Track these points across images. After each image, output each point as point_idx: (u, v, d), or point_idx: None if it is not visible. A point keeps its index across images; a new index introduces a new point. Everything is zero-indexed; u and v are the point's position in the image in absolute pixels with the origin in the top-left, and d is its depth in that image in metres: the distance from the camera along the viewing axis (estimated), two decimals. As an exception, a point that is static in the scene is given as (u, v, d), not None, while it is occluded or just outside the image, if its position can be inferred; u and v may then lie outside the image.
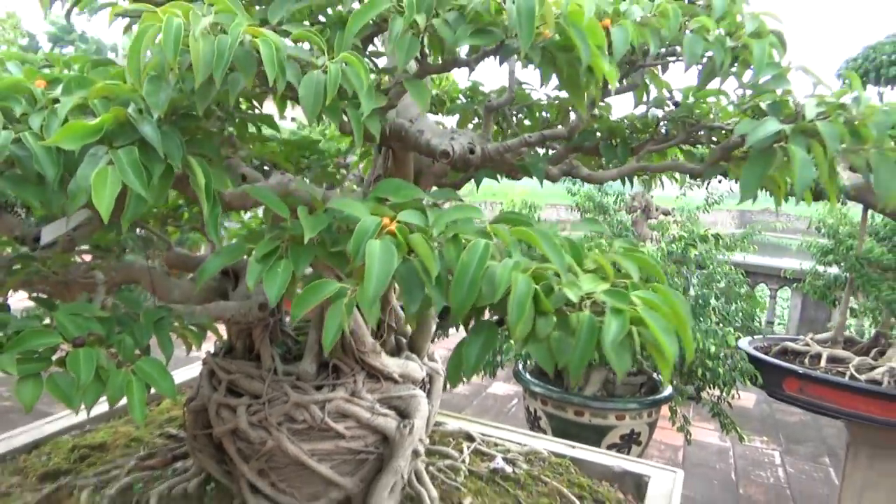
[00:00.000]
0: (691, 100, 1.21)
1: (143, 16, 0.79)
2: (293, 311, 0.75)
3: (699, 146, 1.40)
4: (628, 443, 4.07)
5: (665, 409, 4.28)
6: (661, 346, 0.72)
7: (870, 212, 3.63)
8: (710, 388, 4.14)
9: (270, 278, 0.76)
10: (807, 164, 0.90)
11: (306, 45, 0.82)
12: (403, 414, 1.60)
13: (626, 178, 1.31)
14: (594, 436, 3.97)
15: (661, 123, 1.38)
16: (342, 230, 0.80)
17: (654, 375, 4.34)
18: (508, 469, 1.92)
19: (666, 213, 6.53)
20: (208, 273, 0.84)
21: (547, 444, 2.19)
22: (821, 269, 4.21)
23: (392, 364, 1.58)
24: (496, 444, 2.12)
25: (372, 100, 0.74)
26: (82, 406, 0.89)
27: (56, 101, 0.86)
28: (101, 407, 2.10)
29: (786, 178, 1.10)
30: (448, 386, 1.06)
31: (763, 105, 1.03)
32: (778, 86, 1.00)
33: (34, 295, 1.22)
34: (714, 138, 1.32)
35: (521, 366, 4.37)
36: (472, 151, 1.20)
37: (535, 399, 4.27)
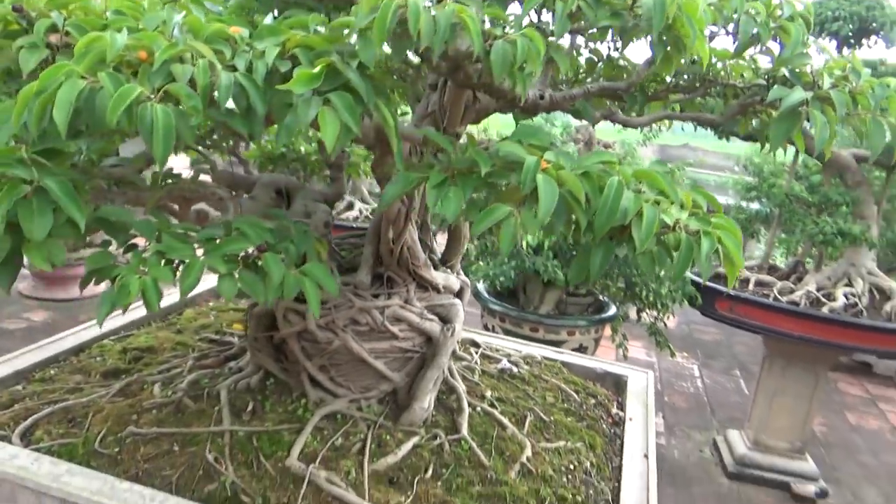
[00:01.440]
0: (719, 64, 1.48)
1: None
2: (474, 227, 0.98)
3: (708, 98, 1.68)
4: (577, 356, 4.50)
5: (607, 329, 4.72)
6: (733, 258, 1.00)
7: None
8: (649, 309, 4.62)
9: (446, 203, 0.98)
10: (825, 125, 1.19)
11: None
12: (445, 319, 1.86)
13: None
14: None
15: (681, 77, 1.64)
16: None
17: (601, 297, 4.79)
18: (515, 369, 2.24)
19: (607, 146, 6.90)
20: (390, 197, 1.05)
21: (539, 350, 2.53)
22: (744, 204, 4.62)
23: (438, 276, 1.84)
24: (498, 350, 2.43)
25: (539, 65, 0.95)
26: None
27: (248, 45, 1.03)
28: (137, 312, 2.26)
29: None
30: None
31: (787, 73, 1.31)
32: (802, 59, 1.27)
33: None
34: (726, 94, 1.60)
35: (479, 286, 4.70)
36: (541, 97, 1.43)
37: (493, 317, 4.60)
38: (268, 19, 1.29)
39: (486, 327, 4.68)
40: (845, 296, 3.90)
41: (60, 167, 1.00)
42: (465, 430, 1.78)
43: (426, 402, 1.82)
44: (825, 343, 3.99)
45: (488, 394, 2.04)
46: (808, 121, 1.28)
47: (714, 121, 1.54)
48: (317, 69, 0.95)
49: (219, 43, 1.01)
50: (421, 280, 1.81)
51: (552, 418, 1.97)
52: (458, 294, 1.97)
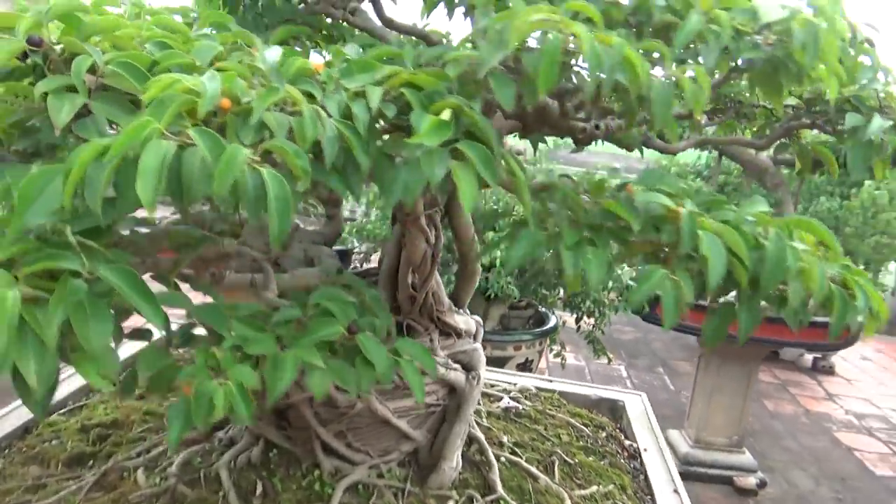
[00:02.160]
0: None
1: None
2: (633, 297, 0.83)
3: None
4: (523, 370, 4.45)
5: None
6: (879, 313, 0.93)
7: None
8: (587, 317, 4.65)
9: (589, 267, 0.83)
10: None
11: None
12: (468, 367, 1.70)
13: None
14: (496, 366, 4.30)
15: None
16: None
17: (540, 308, 4.77)
18: (519, 406, 2.11)
19: (519, 153, 6.94)
20: (516, 261, 0.88)
21: (529, 381, 2.42)
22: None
23: (460, 320, 1.67)
24: (493, 385, 2.29)
25: (702, 109, 0.83)
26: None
27: (333, 82, 0.83)
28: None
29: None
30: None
31: (851, 99, 1.27)
32: (872, 84, 1.24)
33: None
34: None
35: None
36: (597, 127, 1.31)
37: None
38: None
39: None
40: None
41: (102, 247, 0.76)
42: (500, 489, 1.63)
43: (454, 460, 1.66)
44: (761, 340, 4.17)
45: (505, 439, 1.89)
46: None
47: (756, 144, 1.49)
48: (444, 115, 0.77)
49: (306, 82, 0.81)
50: (444, 327, 1.64)
51: (576, 460, 1.86)
52: (474, 336, 1.81)
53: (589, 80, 0.74)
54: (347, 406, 1.54)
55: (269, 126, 0.73)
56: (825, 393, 5.98)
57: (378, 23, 1.68)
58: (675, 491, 1.82)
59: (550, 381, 2.45)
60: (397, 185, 0.80)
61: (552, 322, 4.62)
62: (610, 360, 4.90)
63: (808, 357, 6.53)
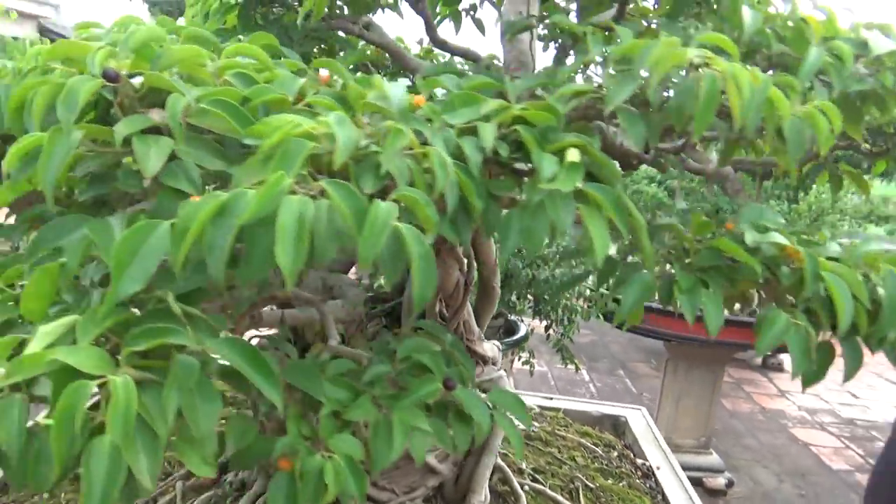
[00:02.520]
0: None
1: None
2: (758, 345, 0.79)
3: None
4: (497, 381, 4.39)
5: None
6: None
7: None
8: (556, 325, 4.65)
9: (707, 309, 0.78)
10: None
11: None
12: (493, 395, 1.64)
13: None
14: (469, 379, 4.25)
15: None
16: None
17: (509, 317, 4.74)
18: (529, 429, 2.06)
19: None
20: (631, 306, 0.81)
21: (530, 399, 2.37)
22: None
23: (487, 348, 1.61)
24: (496, 406, 2.24)
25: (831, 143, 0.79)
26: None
27: (438, 119, 0.75)
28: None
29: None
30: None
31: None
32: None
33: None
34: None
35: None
36: (647, 151, 1.28)
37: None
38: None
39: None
40: (740, 298, 4.19)
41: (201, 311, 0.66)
42: (533, 521, 1.58)
43: (483, 493, 1.59)
44: (728, 343, 4.27)
45: (523, 465, 1.84)
46: None
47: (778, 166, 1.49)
48: (573, 156, 0.71)
49: (412, 120, 0.73)
50: (473, 355, 1.57)
51: (597, 484, 1.83)
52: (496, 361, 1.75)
53: (741, 119, 0.69)
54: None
55: (392, 173, 0.65)
56: (777, 390, 6.19)
57: (392, 38, 1.61)
58: (689, 496, 1.80)
59: (551, 398, 2.41)
60: (514, 230, 0.74)
61: (522, 331, 4.60)
62: (578, 369, 4.92)
63: (758, 358, 6.75)
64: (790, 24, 0.88)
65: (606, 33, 0.87)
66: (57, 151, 0.60)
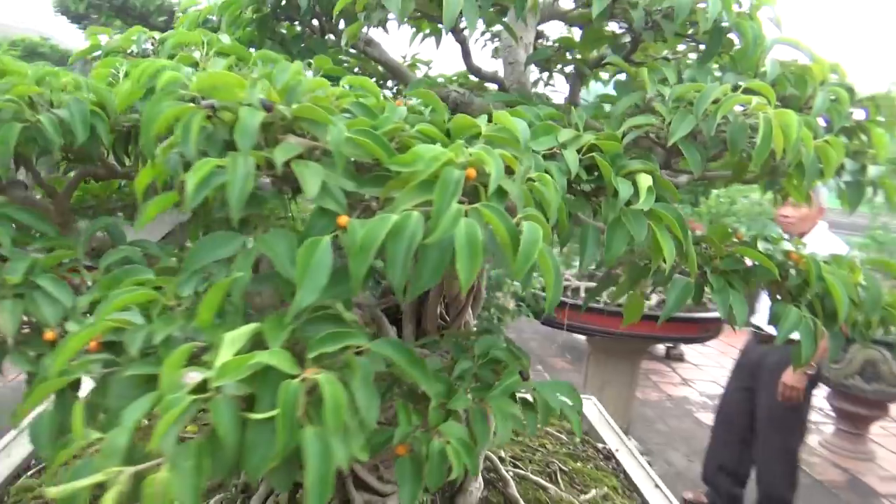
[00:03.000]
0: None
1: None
2: (779, 334, 0.95)
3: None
4: (433, 379, 4.53)
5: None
6: None
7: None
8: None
9: (736, 305, 0.93)
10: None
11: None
12: (484, 389, 1.76)
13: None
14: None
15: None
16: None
17: (440, 316, 4.89)
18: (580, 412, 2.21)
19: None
20: (669, 311, 0.95)
21: (492, 393, 2.51)
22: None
23: (479, 346, 1.73)
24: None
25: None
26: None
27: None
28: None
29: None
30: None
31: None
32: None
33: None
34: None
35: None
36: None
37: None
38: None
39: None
40: (657, 294, 4.54)
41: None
42: (522, 503, 1.72)
43: (478, 480, 1.71)
44: (647, 336, 4.61)
45: (503, 454, 1.98)
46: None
47: (734, 178, 1.70)
48: (647, 181, 0.84)
49: (508, 144, 0.84)
50: (470, 353, 1.69)
51: (569, 467, 1.99)
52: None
53: (787, 154, 0.85)
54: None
55: (511, 194, 0.76)
56: (681, 378, 6.68)
57: (391, 55, 1.70)
58: (657, 486, 2.01)
59: (509, 392, 2.56)
60: (592, 242, 0.86)
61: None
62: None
63: (662, 347, 7.25)
64: (792, 69, 1.07)
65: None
66: (240, 174, 0.66)
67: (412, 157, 0.72)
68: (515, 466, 1.92)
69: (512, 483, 1.79)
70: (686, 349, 7.42)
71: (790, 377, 3.53)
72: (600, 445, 2.24)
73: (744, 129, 0.87)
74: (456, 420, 0.86)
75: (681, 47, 1.31)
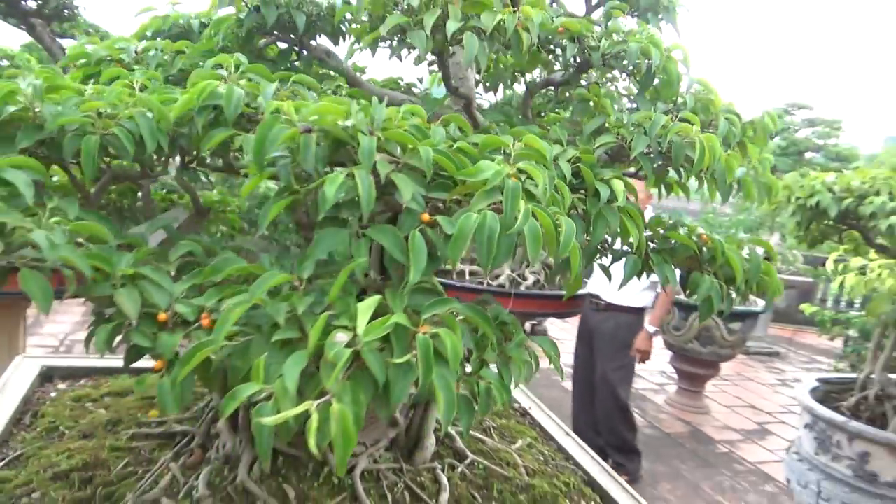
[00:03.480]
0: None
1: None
2: (699, 296, 1.29)
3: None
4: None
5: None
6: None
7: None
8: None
9: (670, 275, 1.27)
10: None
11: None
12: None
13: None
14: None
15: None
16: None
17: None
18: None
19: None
20: (628, 277, 1.26)
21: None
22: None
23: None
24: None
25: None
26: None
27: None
28: None
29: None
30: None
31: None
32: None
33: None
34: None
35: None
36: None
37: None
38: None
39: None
40: (532, 274, 5.03)
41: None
42: (469, 454, 2.01)
43: (432, 438, 1.98)
44: (525, 313, 5.08)
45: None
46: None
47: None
48: (621, 186, 1.16)
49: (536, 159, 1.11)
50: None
51: (497, 423, 2.32)
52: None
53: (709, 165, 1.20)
54: (364, 405, 1.78)
55: (543, 197, 1.04)
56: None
57: (349, 65, 1.91)
58: (567, 434, 2.39)
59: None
60: (580, 231, 1.17)
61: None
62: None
63: (528, 324, 7.85)
64: (700, 99, 1.44)
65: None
66: (366, 182, 0.88)
67: (476, 170, 0.98)
68: (454, 425, 2.20)
69: (458, 438, 2.07)
70: (550, 325, 8.08)
71: (640, 342, 4.21)
72: (516, 405, 2.59)
73: (682, 147, 1.22)
74: (486, 367, 1.12)
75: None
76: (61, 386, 2.23)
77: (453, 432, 2.10)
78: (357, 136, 0.94)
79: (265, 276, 0.91)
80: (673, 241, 1.35)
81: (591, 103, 1.42)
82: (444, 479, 1.85)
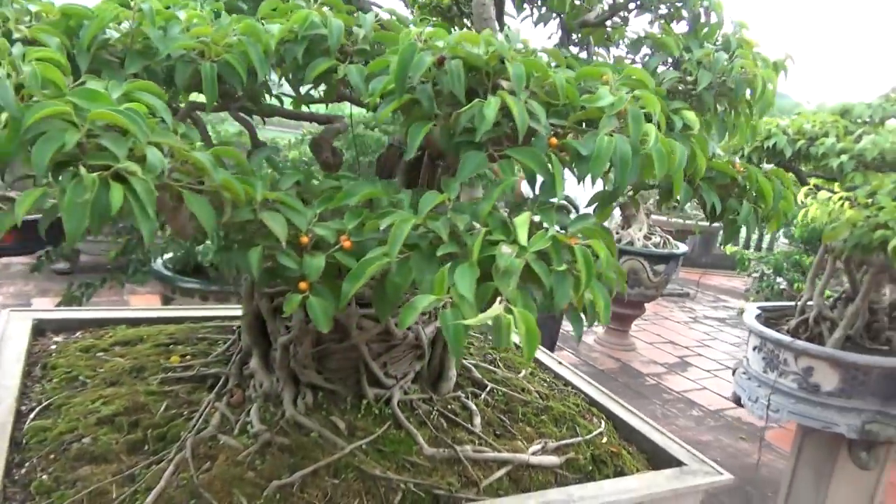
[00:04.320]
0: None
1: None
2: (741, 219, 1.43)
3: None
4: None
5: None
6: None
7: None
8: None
9: (741, 210, 1.41)
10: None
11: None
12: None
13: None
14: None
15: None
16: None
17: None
18: (430, 328, 2.57)
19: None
20: None
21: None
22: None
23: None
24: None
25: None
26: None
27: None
28: None
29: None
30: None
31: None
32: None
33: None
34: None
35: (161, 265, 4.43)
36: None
37: (190, 296, 4.40)
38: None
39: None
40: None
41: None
42: (488, 383, 2.13)
43: (454, 369, 2.08)
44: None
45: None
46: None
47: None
48: (693, 116, 1.27)
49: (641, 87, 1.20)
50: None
51: (500, 355, 2.45)
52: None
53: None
54: (402, 336, 1.85)
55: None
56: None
57: None
58: (560, 363, 2.55)
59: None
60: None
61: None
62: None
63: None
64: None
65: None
66: (520, 108, 0.95)
67: (596, 98, 1.06)
68: (471, 356, 2.31)
69: (473, 369, 2.18)
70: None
71: None
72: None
73: (743, 83, 1.34)
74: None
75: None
76: (57, 339, 2.15)
77: (469, 364, 2.21)
78: (491, 64, 1.00)
79: (427, 197, 0.96)
80: (713, 170, 1.49)
81: (650, 41, 1.52)
82: (473, 405, 1.96)
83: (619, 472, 1.87)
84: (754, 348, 3.21)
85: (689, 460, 1.93)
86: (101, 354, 2.01)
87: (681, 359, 6.79)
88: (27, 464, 1.49)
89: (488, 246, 0.95)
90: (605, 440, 1.98)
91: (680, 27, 1.55)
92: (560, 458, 1.81)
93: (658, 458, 1.99)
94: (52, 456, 1.51)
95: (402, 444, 1.71)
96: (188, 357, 2.01)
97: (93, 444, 1.55)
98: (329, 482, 1.53)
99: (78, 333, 2.22)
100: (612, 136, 1.01)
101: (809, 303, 3.22)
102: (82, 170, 0.78)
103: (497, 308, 0.87)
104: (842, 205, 2.29)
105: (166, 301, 4.55)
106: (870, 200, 2.29)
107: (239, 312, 2.53)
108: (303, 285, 1.01)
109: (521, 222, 0.94)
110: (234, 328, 2.32)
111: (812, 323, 3.15)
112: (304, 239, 1.02)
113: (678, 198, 1.17)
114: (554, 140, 1.03)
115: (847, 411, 2.92)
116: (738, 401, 3.40)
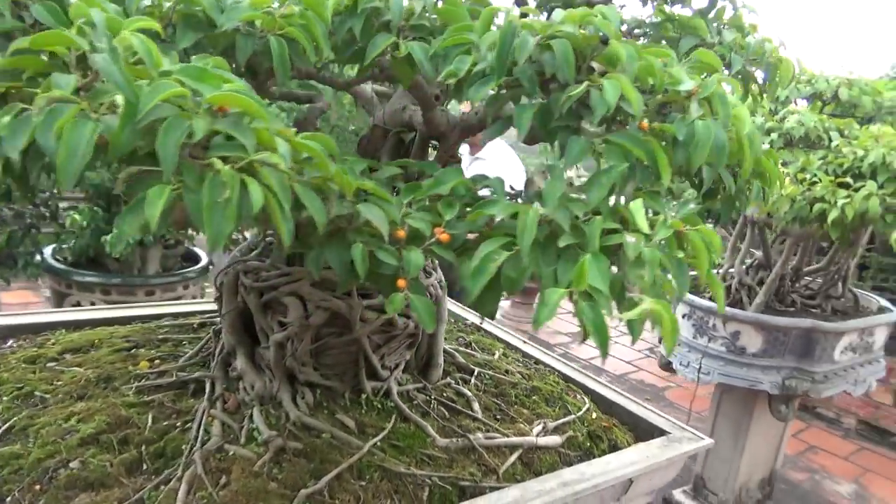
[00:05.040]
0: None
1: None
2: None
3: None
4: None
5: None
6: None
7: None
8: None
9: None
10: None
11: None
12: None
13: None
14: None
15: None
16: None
17: (187, 245, 4.66)
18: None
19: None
20: None
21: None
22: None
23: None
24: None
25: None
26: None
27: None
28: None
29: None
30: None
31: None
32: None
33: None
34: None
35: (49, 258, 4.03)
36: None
37: (89, 291, 4.05)
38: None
39: (78, 304, 4.03)
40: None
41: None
42: (473, 367, 2.11)
43: (441, 355, 2.03)
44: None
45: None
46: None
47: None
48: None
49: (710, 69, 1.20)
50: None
51: (471, 338, 2.43)
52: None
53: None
54: (402, 327, 1.78)
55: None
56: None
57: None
58: (525, 342, 2.58)
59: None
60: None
61: (204, 257, 4.63)
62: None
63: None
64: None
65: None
66: (610, 84, 0.92)
67: (677, 80, 1.05)
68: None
69: (456, 354, 2.15)
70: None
71: None
72: (468, 321, 2.71)
73: (774, 66, 1.38)
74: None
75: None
76: (-14, 350, 1.88)
77: (451, 349, 2.17)
78: (591, 44, 0.96)
79: (551, 184, 0.91)
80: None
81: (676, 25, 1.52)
82: (467, 391, 1.93)
83: (614, 446, 1.91)
84: (683, 316, 3.40)
85: (671, 428, 2.02)
86: (53, 365, 1.77)
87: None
88: (8, 498, 1.29)
89: (605, 235, 0.92)
90: (594, 416, 2.03)
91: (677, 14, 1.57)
92: (562, 438, 1.83)
93: (640, 429, 2.06)
94: (37, 487, 1.32)
95: (414, 438, 1.65)
96: (157, 362, 1.82)
97: (83, 468, 1.37)
98: (356, 485, 1.45)
99: (10, 342, 1.95)
100: (704, 119, 1.00)
101: (731, 271, 3.44)
102: (218, 163, 0.66)
103: (649, 302, 0.85)
104: (803, 180, 2.46)
105: (59, 297, 4.14)
106: (806, 176, 2.49)
107: (191, 308, 2.34)
108: (401, 283, 0.93)
109: (638, 209, 0.92)
110: (196, 325, 2.14)
111: (734, 290, 3.38)
112: (401, 232, 0.94)
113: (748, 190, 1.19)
114: (645, 124, 1.00)
115: (769, 370, 3.18)
116: (667, 366, 3.60)
